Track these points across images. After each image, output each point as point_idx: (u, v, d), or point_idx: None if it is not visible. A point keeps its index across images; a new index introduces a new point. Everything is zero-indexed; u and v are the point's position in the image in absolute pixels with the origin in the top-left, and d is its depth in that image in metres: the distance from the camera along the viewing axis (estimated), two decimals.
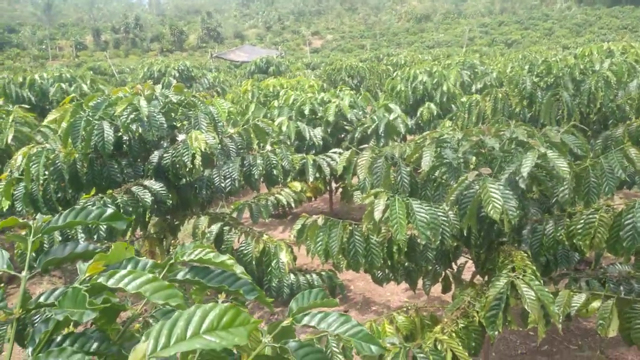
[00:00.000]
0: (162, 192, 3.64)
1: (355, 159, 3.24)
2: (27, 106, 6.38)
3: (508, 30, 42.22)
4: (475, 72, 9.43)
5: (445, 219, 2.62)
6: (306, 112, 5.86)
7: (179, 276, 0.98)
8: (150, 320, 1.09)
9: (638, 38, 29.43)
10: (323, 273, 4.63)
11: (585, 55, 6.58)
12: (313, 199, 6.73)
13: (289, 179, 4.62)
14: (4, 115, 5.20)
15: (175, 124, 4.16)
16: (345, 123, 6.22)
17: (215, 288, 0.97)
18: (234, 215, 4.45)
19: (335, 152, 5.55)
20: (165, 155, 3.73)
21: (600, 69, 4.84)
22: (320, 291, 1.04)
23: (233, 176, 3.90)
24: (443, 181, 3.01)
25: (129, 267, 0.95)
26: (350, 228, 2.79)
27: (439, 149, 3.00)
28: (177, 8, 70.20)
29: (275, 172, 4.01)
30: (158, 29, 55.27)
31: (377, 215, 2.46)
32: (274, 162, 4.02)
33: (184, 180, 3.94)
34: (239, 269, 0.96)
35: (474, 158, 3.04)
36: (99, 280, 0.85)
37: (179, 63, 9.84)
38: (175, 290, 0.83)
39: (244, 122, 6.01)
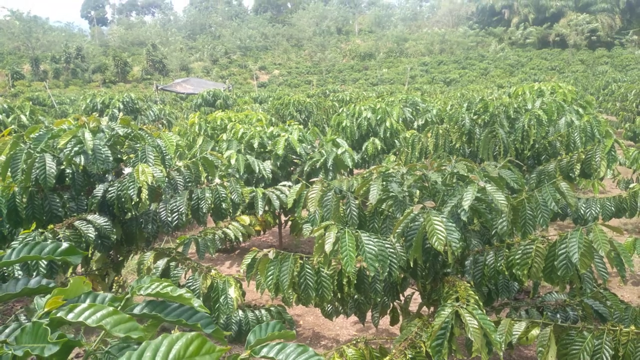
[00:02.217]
0: (107, 226, 3.54)
1: (305, 192, 3.29)
2: None
3: (447, 69, 44.36)
4: (417, 109, 9.83)
5: (392, 250, 2.70)
6: (255, 145, 5.89)
7: (136, 310, 0.97)
8: (103, 358, 1.06)
9: (565, 78, 31.67)
10: (272, 308, 4.58)
11: (518, 94, 7.04)
12: (262, 232, 6.69)
13: (238, 212, 4.60)
14: None
15: (121, 156, 4.08)
16: (294, 157, 6.30)
17: (173, 322, 0.97)
18: (180, 249, 4.36)
19: (284, 185, 5.59)
20: (110, 188, 3.64)
21: (533, 107, 5.19)
22: (277, 323, 1.05)
23: (180, 210, 3.84)
24: (390, 214, 3.11)
25: (88, 301, 0.94)
26: (301, 262, 2.81)
27: (385, 182, 3.10)
28: (121, 39, 69.07)
29: (224, 205, 3.99)
30: (101, 59, 54.09)
31: (328, 248, 2.51)
32: (224, 195, 4.00)
33: (130, 214, 3.84)
34: (196, 303, 0.96)
35: (418, 192, 3.17)
36: (58, 315, 0.83)
37: (123, 95, 9.66)
38: (135, 323, 0.82)
39: (192, 155, 5.96)
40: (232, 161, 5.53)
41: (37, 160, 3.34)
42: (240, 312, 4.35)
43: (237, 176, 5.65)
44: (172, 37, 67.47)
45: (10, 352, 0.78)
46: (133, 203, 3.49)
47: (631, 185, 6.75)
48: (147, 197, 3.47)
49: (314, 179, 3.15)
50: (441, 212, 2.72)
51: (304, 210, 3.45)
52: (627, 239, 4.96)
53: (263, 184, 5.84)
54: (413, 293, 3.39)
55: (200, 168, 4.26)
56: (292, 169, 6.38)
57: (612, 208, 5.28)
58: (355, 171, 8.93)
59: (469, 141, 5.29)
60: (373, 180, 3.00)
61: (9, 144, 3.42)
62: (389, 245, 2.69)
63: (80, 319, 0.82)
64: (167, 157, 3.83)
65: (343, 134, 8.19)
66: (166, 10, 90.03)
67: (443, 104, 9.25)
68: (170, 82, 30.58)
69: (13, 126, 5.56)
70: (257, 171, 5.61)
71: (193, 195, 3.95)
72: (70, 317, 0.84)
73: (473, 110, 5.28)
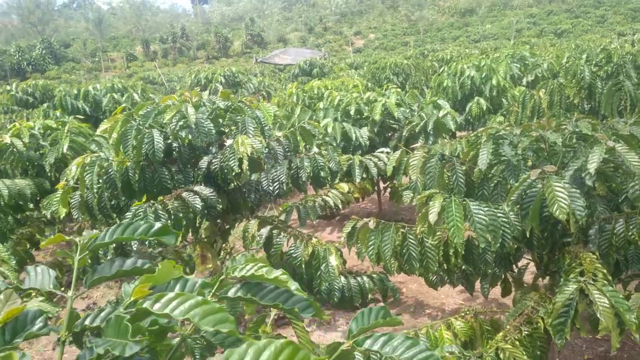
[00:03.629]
0: (212, 197, 3.65)
1: (405, 159, 3.14)
2: (81, 117, 6.61)
3: (557, 20, 40.54)
4: (525, 64, 9.07)
5: (505, 220, 2.48)
6: (352, 112, 5.78)
7: (230, 293, 0.93)
8: (196, 342, 1.04)
9: None
10: (374, 275, 4.52)
11: None
12: (361, 199, 6.63)
13: (336, 180, 4.55)
14: (60, 126, 5.38)
15: (223, 129, 4.18)
16: (392, 122, 6.10)
17: (270, 305, 0.91)
18: (283, 217, 4.42)
19: (382, 152, 5.44)
20: (214, 160, 3.74)
21: None
22: (381, 309, 0.95)
23: (281, 179, 3.87)
24: (501, 179, 2.86)
25: (177, 289, 0.90)
26: (403, 231, 2.69)
27: (495, 145, 2.85)
28: (222, 16, 71.49)
29: (322, 174, 3.95)
30: (203, 37, 56.48)
31: (432, 217, 2.35)
32: (321, 164, 3.96)
33: (233, 184, 3.94)
34: (293, 285, 0.89)
35: (533, 155, 2.88)
36: (144, 305, 0.80)
37: (224, 69, 9.96)
38: (226, 314, 0.76)
39: (290, 125, 5.99)
40: (329, 129, 5.47)
41: (145, 135, 3.50)
42: (343, 278, 4.35)
43: (335, 144, 5.59)
44: (269, 10, 68.58)
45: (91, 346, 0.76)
46: (235, 174, 3.56)
47: None
48: (247, 167, 3.51)
49: (414, 145, 2.98)
50: (562, 177, 2.44)
51: (404, 177, 3.30)
52: None
53: (360, 151, 5.73)
54: (528, 263, 3.14)
55: (298, 137, 4.25)
56: (390, 134, 6.19)
57: None
58: (459, 134, 8.50)
59: (589, 96, 4.75)
60: (483, 144, 2.76)
61: (120, 121, 3.61)
62: (501, 214, 2.47)
63: (167, 310, 0.78)
64: (265, 127, 3.84)
65: (444, 95, 7.79)
66: None
67: (556, 57, 8.42)
68: (269, 54, 31.20)
69: (124, 104, 5.93)
70: (353, 138, 5.51)
71: (292, 165, 3.95)
72: (156, 307, 0.80)
73: (594, 62, 4.71)
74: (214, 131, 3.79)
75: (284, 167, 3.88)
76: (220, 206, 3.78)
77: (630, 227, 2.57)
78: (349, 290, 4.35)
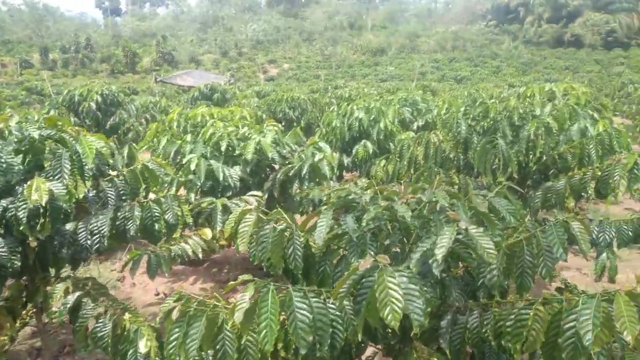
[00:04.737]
0: (3, 253, 2.85)
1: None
2: None
3: (458, 67, 43.23)
4: (418, 109, 9.05)
5: (337, 314, 1.98)
6: (222, 148, 5.18)
7: None
8: None
9: (579, 78, 30.59)
10: None
11: (527, 97, 6.24)
12: (232, 244, 5.99)
13: (176, 234, 3.91)
14: None
15: (42, 163, 3.39)
16: (270, 161, 5.57)
17: None
18: (130, 266, 3.66)
19: (253, 195, 4.88)
20: (10, 206, 2.95)
21: (542, 114, 4.42)
22: None
23: (102, 232, 3.14)
24: (346, 253, 2.39)
25: None
26: (218, 322, 2.09)
27: (347, 210, 2.39)
28: (133, 31, 68.46)
29: (157, 226, 3.28)
30: (111, 50, 53.58)
31: (238, 317, 1.79)
32: (157, 214, 3.30)
33: (40, 236, 3.15)
34: None
35: (387, 226, 2.44)
36: None
37: (103, 87, 8.95)
38: None
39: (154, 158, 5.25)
40: (192, 166, 4.83)
41: None
42: None
43: (199, 184, 4.94)
44: (184, 30, 66.99)
45: None
46: (24, 226, 2.80)
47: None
48: (50, 217, 2.77)
49: (246, 206, 2.44)
50: (406, 264, 1.99)
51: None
52: None
53: (231, 192, 5.12)
54: (376, 353, 2.67)
55: (139, 178, 3.57)
56: (268, 174, 5.65)
57: (630, 233, 4.48)
58: (347, 175, 8.19)
59: (465, 151, 4.53)
60: (323, 212, 2.27)
61: None
62: (333, 308, 1.97)
63: None
64: (86, 167, 3.12)
65: (333, 135, 7.45)
66: (179, 2, 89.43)
67: (448, 104, 8.45)
68: (171, 74, 29.86)
69: None
70: (221, 178, 4.90)
71: (119, 214, 3.25)
72: None
73: (471, 115, 4.52)
74: (17, 168, 3.01)
75: (108, 216, 3.17)
76: (18, 263, 2.98)
77: (485, 323, 2.18)
78: None
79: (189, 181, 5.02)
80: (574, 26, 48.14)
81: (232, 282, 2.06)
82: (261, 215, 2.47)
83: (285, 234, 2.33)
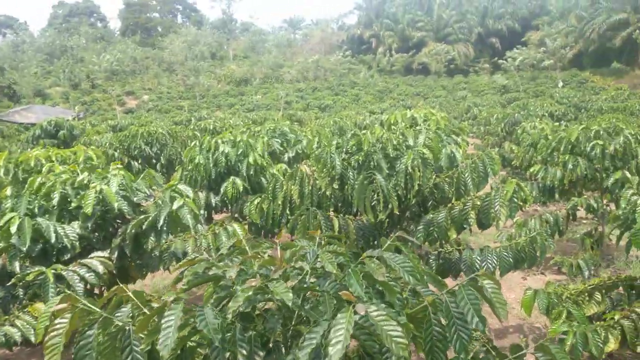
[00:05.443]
0: None
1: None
2: None
3: (321, 96, 44.57)
4: (287, 140, 8.68)
5: None
6: (54, 201, 4.21)
7: None
8: None
9: (430, 103, 33.17)
10: None
11: (392, 124, 6.14)
12: None
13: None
14: None
15: None
16: (121, 211, 4.69)
17: None
18: None
19: (98, 257, 4.00)
20: None
21: (415, 144, 4.20)
22: None
23: None
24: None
25: None
26: None
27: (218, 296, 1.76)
28: None
29: None
30: None
31: None
32: None
33: None
34: None
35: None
36: None
37: None
38: None
39: None
40: (13, 228, 3.81)
41: None
42: None
43: (24, 249, 3.93)
44: (27, 61, 60.53)
45: None
46: None
47: (515, 220, 6.18)
48: None
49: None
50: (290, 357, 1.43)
51: None
52: (527, 293, 4.19)
53: (68, 255, 4.17)
54: None
55: None
56: (117, 228, 4.75)
57: (511, 259, 4.43)
58: (217, 216, 7.46)
59: (342, 187, 4.15)
60: (170, 307, 1.62)
61: None
62: None
63: None
64: None
65: (198, 173, 6.71)
66: (20, 31, 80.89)
67: (311, 137, 8.18)
68: (8, 110, 26.23)
69: None
70: (53, 240, 3.94)
71: None
72: None
73: (344, 149, 4.16)
74: None
75: None
76: None
77: None
78: None
79: (11, 247, 3.96)
80: (420, 55, 52.50)
81: None
82: (85, 308, 1.74)
83: (119, 337, 1.64)
